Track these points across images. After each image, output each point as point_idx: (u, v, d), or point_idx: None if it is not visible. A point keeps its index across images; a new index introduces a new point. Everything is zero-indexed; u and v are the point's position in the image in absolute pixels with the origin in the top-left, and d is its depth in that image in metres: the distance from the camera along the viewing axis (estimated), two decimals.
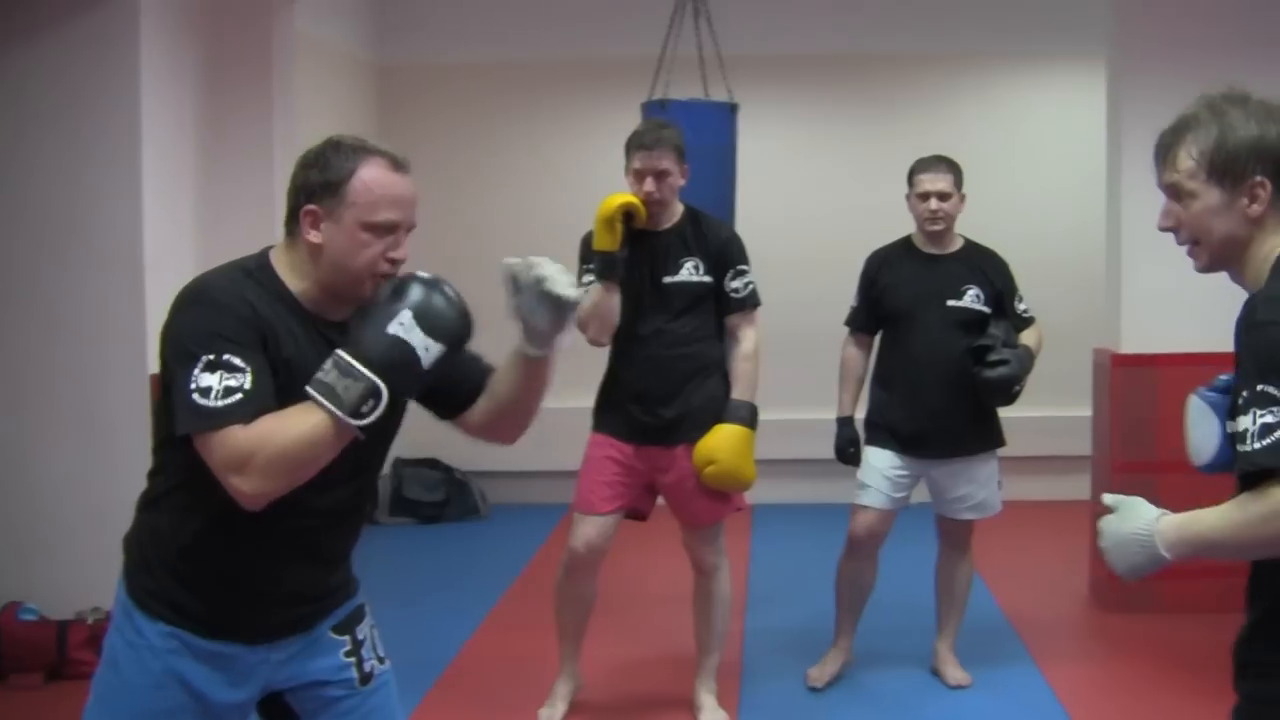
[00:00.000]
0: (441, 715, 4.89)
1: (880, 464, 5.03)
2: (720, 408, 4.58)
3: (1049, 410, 7.81)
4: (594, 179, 7.55)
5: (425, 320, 2.40)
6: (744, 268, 4.67)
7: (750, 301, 4.69)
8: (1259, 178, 2.21)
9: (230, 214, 5.97)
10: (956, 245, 5.09)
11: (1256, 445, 2.06)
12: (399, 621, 6.06)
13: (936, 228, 5.00)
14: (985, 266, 5.05)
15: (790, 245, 8.19)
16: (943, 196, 4.96)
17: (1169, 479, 6.02)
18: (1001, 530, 5.60)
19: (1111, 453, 6.12)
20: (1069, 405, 7.44)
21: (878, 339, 5.20)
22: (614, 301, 4.57)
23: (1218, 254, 2.33)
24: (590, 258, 4.60)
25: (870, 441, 5.09)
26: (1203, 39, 6.00)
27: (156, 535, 2.55)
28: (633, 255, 4.59)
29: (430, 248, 8.45)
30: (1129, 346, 6.08)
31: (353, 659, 2.71)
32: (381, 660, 2.78)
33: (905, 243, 5.16)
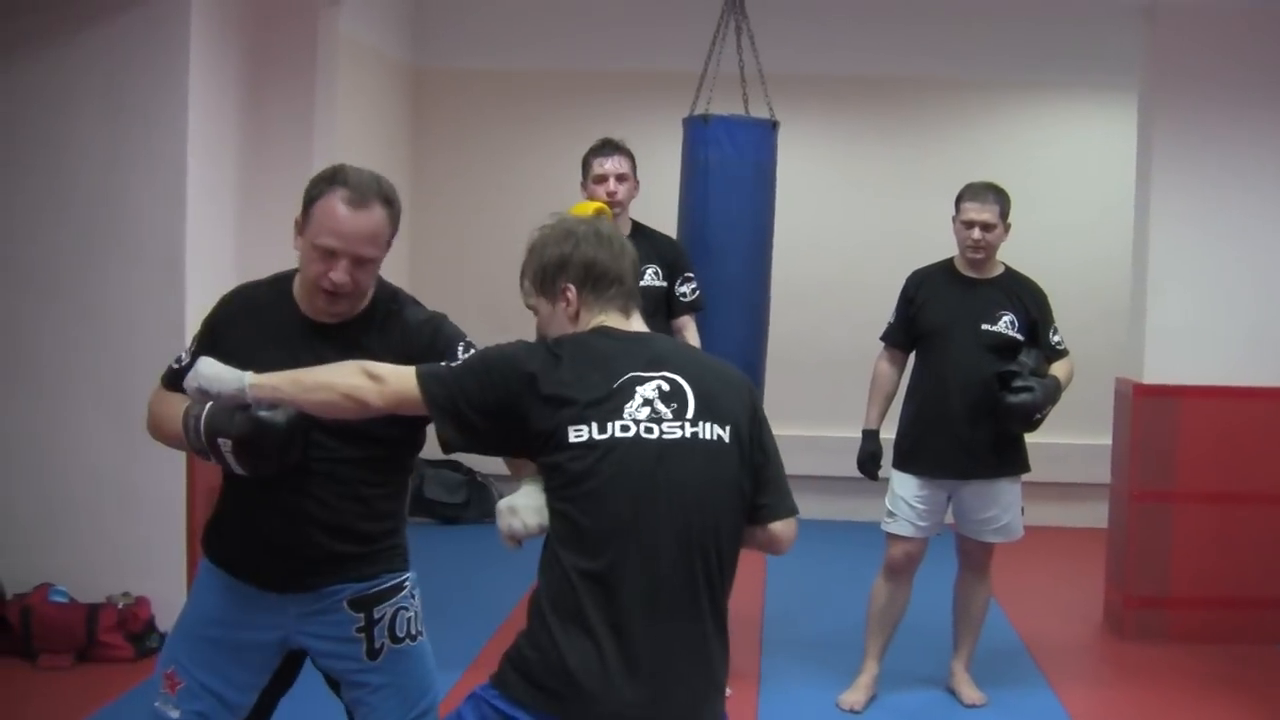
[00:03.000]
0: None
1: (905, 492, 5.08)
2: None
3: (1069, 438, 7.86)
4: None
5: (240, 453, 2.76)
6: (691, 274, 5.07)
7: (696, 305, 5.08)
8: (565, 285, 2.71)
9: (271, 211, 6.02)
10: (996, 271, 5.13)
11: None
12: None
13: (977, 256, 5.04)
14: (1022, 294, 5.09)
15: (815, 265, 8.24)
16: (986, 227, 5.00)
17: (1187, 508, 6.12)
18: (1019, 555, 5.64)
19: (1130, 481, 6.16)
20: (1089, 433, 7.49)
21: (912, 357, 5.26)
22: None
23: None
24: None
25: (897, 465, 5.14)
26: (1233, 72, 6.07)
27: (219, 491, 3.05)
28: None
29: (459, 249, 8.64)
30: (1151, 377, 6.12)
31: (362, 635, 2.94)
32: (398, 640, 2.98)
33: (946, 264, 5.20)
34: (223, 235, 5.76)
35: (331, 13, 6.38)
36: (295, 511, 2.87)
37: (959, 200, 5.10)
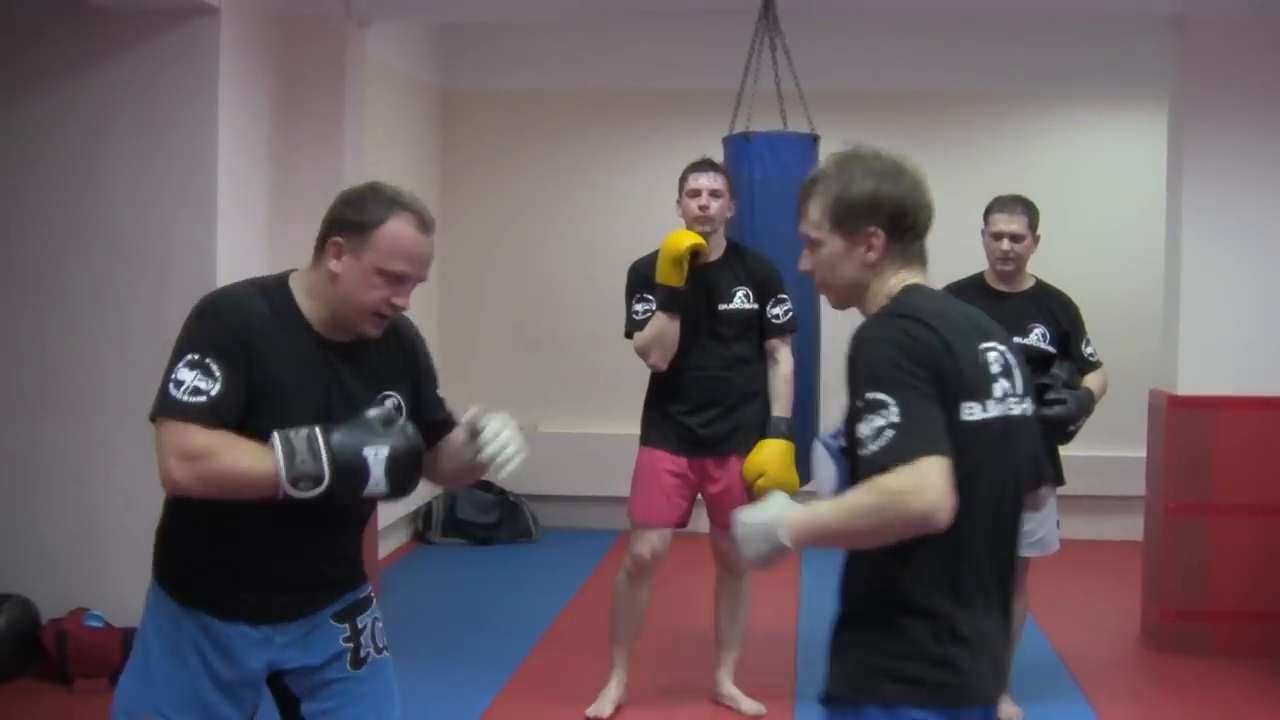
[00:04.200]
0: None
1: None
2: (764, 422, 4.99)
3: (1103, 450, 7.80)
4: (657, 210, 7.64)
5: (393, 468, 2.66)
6: (784, 295, 5.04)
7: (789, 326, 5.07)
8: (873, 229, 2.46)
9: (300, 232, 6.00)
10: (1027, 284, 5.13)
11: (872, 448, 2.27)
12: (452, 640, 6.17)
13: (1007, 268, 5.05)
14: (1053, 307, 5.08)
15: None
16: (1015, 238, 5.01)
17: (1223, 520, 6.07)
18: (1054, 569, 5.61)
19: (1165, 494, 6.12)
20: (1123, 446, 7.43)
21: None
22: (675, 330, 4.90)
23: (843, 295, 2.57)
24: (642, 287, 4.98)
25: None
26: (1263, 81, 6.04)
27: (176, 527, 2.85)
28: (691, 284, 4.89)
29: (487, 270, 8.65)
30: (1185, 388, 6.08)
31: (350, 644, 2.93)
32: (380, 650, 2.99)
33: (977, 279, 5.19)
34: (253, 257, 5.78)
35: (360, 36, 6.42)
36: (311, 545, 2.83)
37: (988, 213, 5.11)
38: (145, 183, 5.51)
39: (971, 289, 5.16)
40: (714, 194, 4.94)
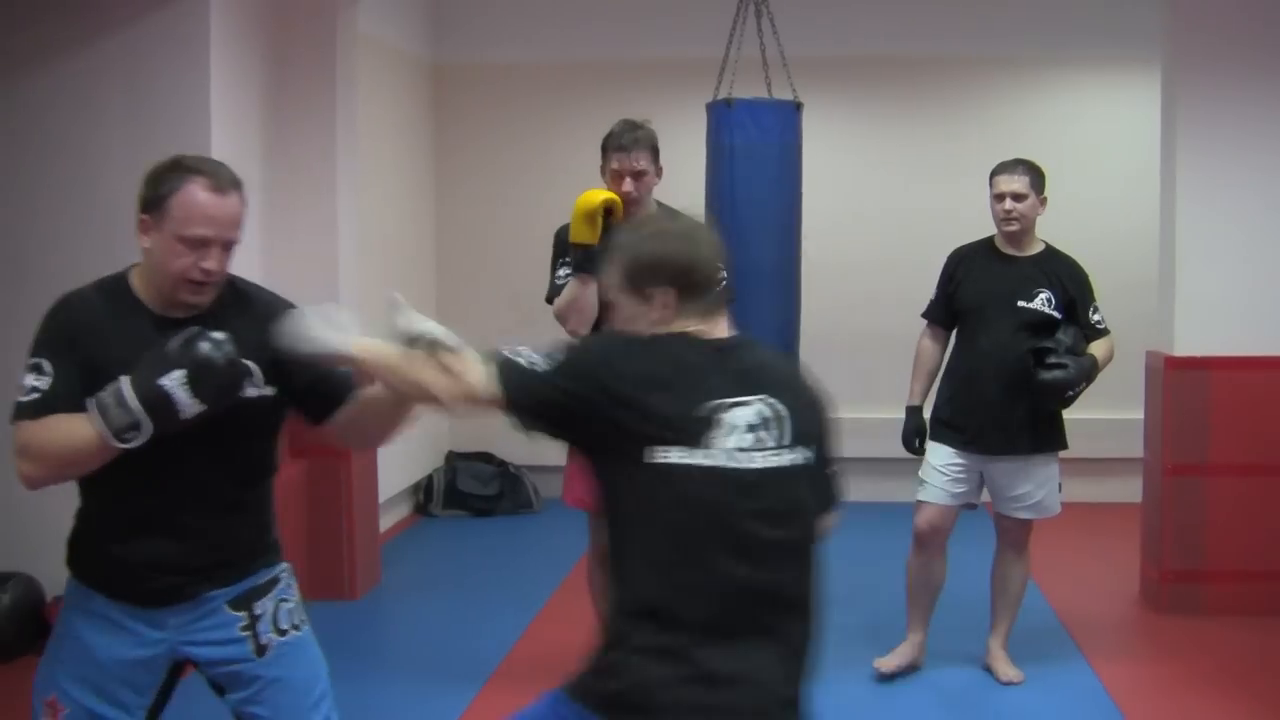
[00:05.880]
0: (498, 707, 4.96)
1: (938, 460, 5.14)
2: None
3: (1100, 413, 7.81)
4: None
5: (195, 383, 2.67)
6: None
7: (725, 296, 4.84)
8: (662, 288, 2.56)
9: (294, 209, 6.09)
10: (1036, 249, 5.16)
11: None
12: (453, 613, 6.20)
13: (1011, 228, 5.08)
14: (1061, 272, 5.10)
15: (846, 246, 8.23)
16: (1017, 197, 5.04)
17: (1220, 481, 6.09)
18: (1053, 531, 5.63)
19: (1163, 455, 6.14)
20: (1121, 408, 7.44)
21: (954, 335, 5.29)
22: (591, 294, 4.55)
23: None
24: (566, 251, 4.71)
25: (932, 436, 5.21)
26: (1255, 41, 6.02)
27: (79, 511, 2.98)
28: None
29: (482, 244, 8.66)
30: (1182, 349, 6.09)
31: (248, 633, 2.94)
32: (283, 632, 2.98)
33: (987, 242, 5.24)
34: (247, 235, 5.73)
35: (350, 11, 6.40)
36: (176, 527, 2.86)
37: (991, 177, 5.15)
38: (138, 163, 5.39)
39: (980, 252, 5.21)
40: (637, 176, 4.73)
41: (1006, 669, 5.19)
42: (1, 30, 5.58)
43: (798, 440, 2.52)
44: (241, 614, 2.93)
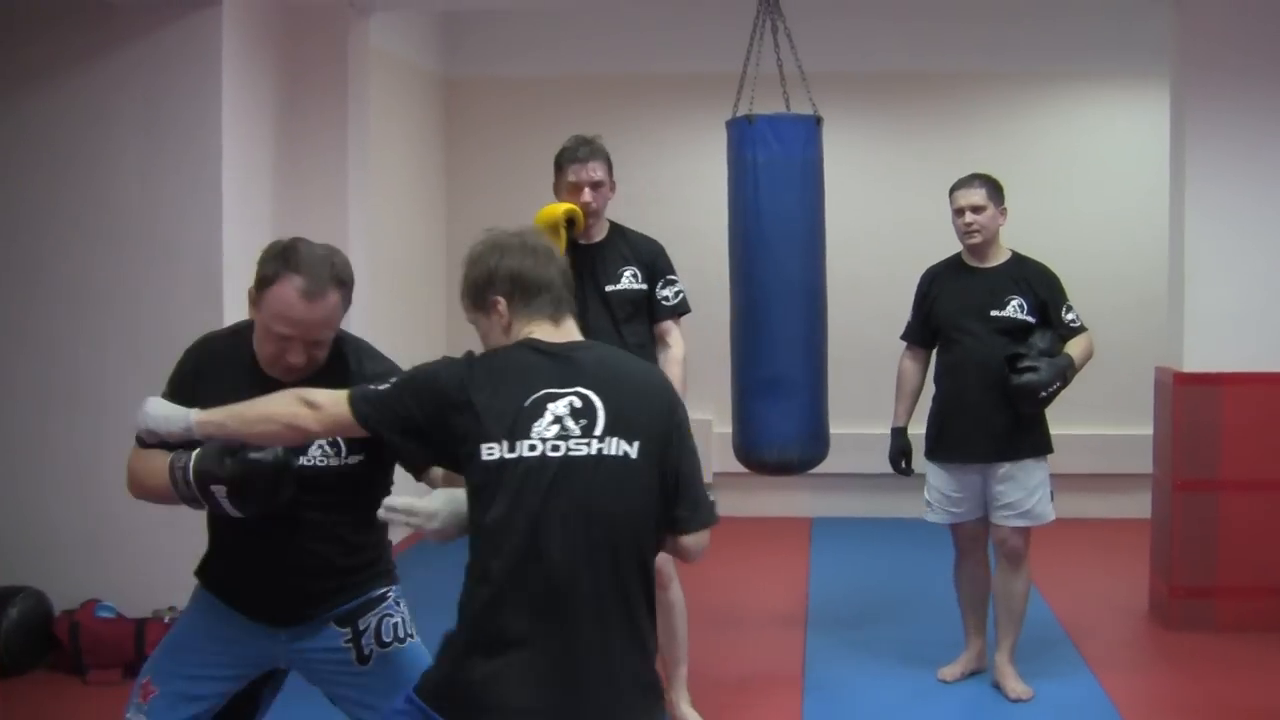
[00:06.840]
0: None
1: (937, 482, 5.26)
2: None
3: (1110, 428, 7.83)
4: (661, 194, 7.64)
5: (235, 497, 2.84)
6: (673, 277, 4.88)
7: (680, 309, 4.89)
8: (495, 297, 2.79)
9: (305, 221, 6.07)
10: (1002, 258, 5.24)
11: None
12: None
13: (974, 240, 5.17)
14: (1030, 277, 5.17)
15: (854, 261, 8.21)
16: (976, 209, 5.13)
17: (1230, 497, 6.08)
18: (1062, 546, 5.64)
19: (1173, 471, 6.12)
20: (1130, 423, 7.44)
21: (935, 353, 5.35)
22: None
23: None
24: None
25: (927, 456, 5.29)
26: (1264, 56, 6.02)
27: (211, 539, 3.16)
28: (574, 265, 4.68)
29: None
30: (1191, 365, 6.08)
31: (350, 645, 3.10)
32: (385, 645, 3.12)
33: (955, 259, 5.36)
34: (259, 247, 5.79)
35: (362, 24, 6.43)
36: (279, 560, 3.01)
37: (950, 192, 5.25)
38: (151, 175, 5.53)
39: (949, 269, 5.35)
40: (595, 186, 4.76)
41: (1015, 685, 5.18)
42: (15, 42, 5.62)
43: (612, 431, 2.60)
44: (346, 629, 3.09)
